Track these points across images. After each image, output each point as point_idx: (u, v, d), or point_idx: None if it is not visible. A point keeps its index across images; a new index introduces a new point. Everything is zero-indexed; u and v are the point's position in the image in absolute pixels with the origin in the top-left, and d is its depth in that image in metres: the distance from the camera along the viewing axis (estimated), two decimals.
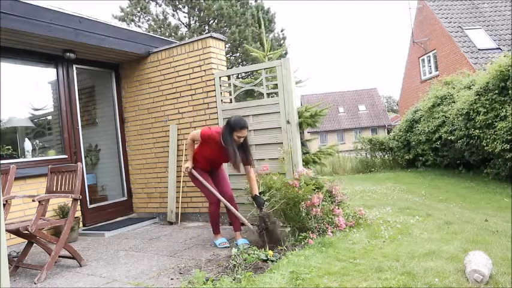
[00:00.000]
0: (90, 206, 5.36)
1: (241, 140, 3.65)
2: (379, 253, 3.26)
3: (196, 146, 3.91)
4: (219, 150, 3.73)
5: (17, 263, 3.55)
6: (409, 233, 3.86)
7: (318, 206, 3.94)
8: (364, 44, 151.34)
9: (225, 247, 3.81)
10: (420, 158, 10.55)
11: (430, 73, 17.78)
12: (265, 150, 4.47)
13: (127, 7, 18.43)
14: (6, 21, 3.94)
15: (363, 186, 8.23)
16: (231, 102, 4.83)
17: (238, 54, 18.43)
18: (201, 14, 18.28)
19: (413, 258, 3.02)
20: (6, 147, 4.71)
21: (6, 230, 3.10)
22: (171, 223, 5.30)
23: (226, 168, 4.79)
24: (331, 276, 2.77)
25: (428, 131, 9.73)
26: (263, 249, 3.44)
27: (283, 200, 3.79)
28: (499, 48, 14.17)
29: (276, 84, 4.48)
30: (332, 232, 3.87)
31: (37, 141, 5.10)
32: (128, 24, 18.09)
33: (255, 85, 4.73)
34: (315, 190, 3.96)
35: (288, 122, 4.35)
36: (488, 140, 7.24)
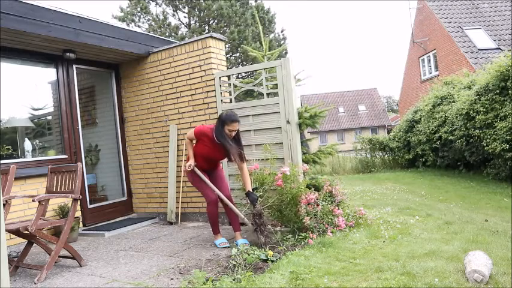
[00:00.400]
0: (90, 206, 5.36)
1: (233, 133, 3.69)
2: (379, 253, 3.26)
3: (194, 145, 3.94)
4: (213, 147, 3.76)
5: (17, 263, 3.55)
6: (409, 233, 3.86)
7: (313, 204, 3.94)
8: (364, 44, 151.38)
9: (225, 247, 3.81)
10: (420, 158, 10.55)
11: (430, 73, 17.78)
12: (265, 150, 4.45)
13: (127, 7, 18.44)
14: (6, 21, 3.94)
15: (362, 186, 8.23)
16: (231, 102, 4.83)
17: (238, 54, 18.44)
18: (201, 14, 18.29)
19: (413, 258, 3.02)
20: (6, 147, 4.72)
21: (6, 230, 3.10)
22: (171, 223, 5.30)
23: (226, 168, 4.79)
24: (331, 276, 2.77)
25: (428, 131, 9.73)
26: (263, 249, 3.44)
27: (276, 196, 3.79)
28: (499, 48, 14.18)
29: (276, 84, 4.47)
30: (332, 232, 3.87)
31: (37, 141, 5.10)
32: (128, 24, 18.10)
33: (255, 85, 4.73)
34: (305, 188, 3.95)
35: (288, 122, 4.35)
36: (488, 140, 7.25)
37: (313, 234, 3.76)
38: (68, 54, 4.97)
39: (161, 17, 18.37)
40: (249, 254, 3.24)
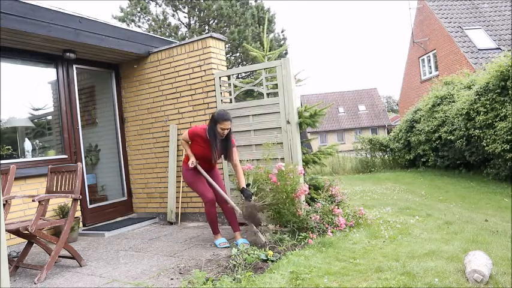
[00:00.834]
0: (90, 206, 5.36)
1: (226, 132, 3.75)
2: (379, 253, 3.26)
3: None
4: (208, 146, 3.81)
5: (17, 263, 3.55)
6: (409, 233, 3.86)
7: (310, 200, 3.94)
8: (364, 44, 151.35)
9: (225, 247, 3.81)
10: (421, 158, 10.55)
11: (430, 73, 17.77)
12: (264, 150, 4.46)
13: (127, 7, 18.44)
14: (6, 21, 3.94)
15: (362, 186, 8.23)
16: (231, 102, 4.83)
17: (238, 54, 18.43)
18: (201, 14, 18.29)
19: (413, 258, 3.02)
20: (6, 147, 4.72)
21: (6, 230, 3.10)
22: (171, 223, 5.30)
23: (226, 168, 4.79)
24: (331, 276, 2.77)
25: (428, 131, 9.73)
26: (263, 249, 3.44)
27: (272, 194, 3.81)
28: (499, 48, 14.18)
29: (276, 84, 4.47)
30: (332, 232, 3.87)
31: (37, 141, 5.10)
32: (128, 24, 18.09)
33: (255, 85, 4.73)
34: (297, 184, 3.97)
35: (288, 122, 4.35)
36: (488, 140, 7.24)
37: (313, 234, 3.76)
38: (68, 54, 4.97)
39: (161, 17, 18.36)
40: (249, 254, 3.24)
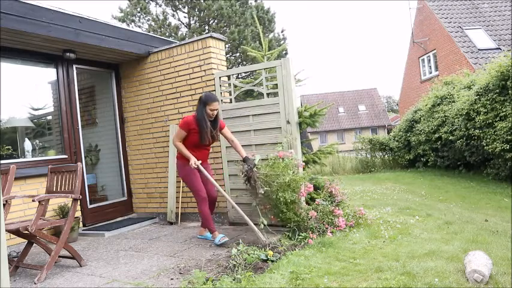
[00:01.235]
0: (90, 206, 5.36)
1: (215, 113, 3.90)
2: (379, 253, 3.26)
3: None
4: (200, 131, 3.92)
5: (17, 263, 3.55)
6: (409, 233, 3.86)
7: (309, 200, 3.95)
8: (364, 44, 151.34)
9: (225, 242, 3.83)
10: (421, 158, 10.55)
11: (430, 73, 17.78)
12: (265, 150, 4.46)
13: (126, 7, 18.44)
14: (6, 21, 3.94)
15: (362, 186, 8.23)
16: (231, 102, 4.83)
17: (238, 54, 18.44)
18: (201, 14, 18.29)
19: (413, 258, 3.02)
20: (6, 147, 4.72)
21: (6, 230, 3.10)
22: (171, 223, 5.30)
23: (226, 168, 4.79)
24: (331, 276, 2.77)
25: (428, 131, 9.73)
26: (263, 249, 3.44)
27: (272, 171, 3.90)
28: (499, 48, 14.18)
29: (276, 84, 4.47)
30: (332, 232, 3.87)
31: (37, 141, 5.10)
32: (128, 24, 18.10)
33: (255, 85, 4.73)
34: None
35: (288, 122, 4.35)
36: (488, 140, 7.25)
37: (313, 234, 3.76)
38: (68, 54, 4.96)
39: (161, 17, 18.36)
40: (249, 254, 3.24)
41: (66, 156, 5.11)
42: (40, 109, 5.33)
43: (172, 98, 5.41)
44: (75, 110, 5.30)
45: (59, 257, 3.56)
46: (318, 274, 2.82)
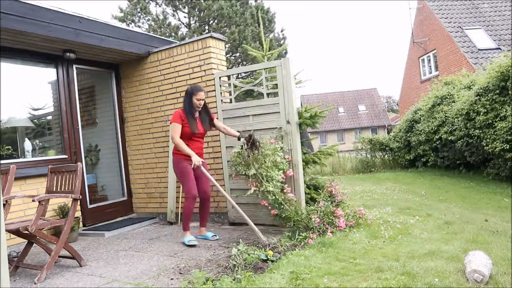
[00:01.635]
0: (90, 206, 5.36)
1: (201, 103, 4.08)
2: (379, 253, 3.26)
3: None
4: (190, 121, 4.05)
5: (17, 263, 3.55)
6: (409, 233, 3.86)
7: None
8: (364, 44, 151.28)
9: (193, 244, 3.93)
10: (421, 158, 10.55)
11: (430, 73, 17.78)
12: (265, 150, 4.45)
13: (126, 7, 18.44)
14: (6, 21, 3.94)
15: (363, 186, 8.23)
16: (231, 102, 4.83)
17: (238, 54, 18.45)
18: (201, 14, 18.30)
19: (413, 258, 3.02)
20: (6, 147, 4.72)
21: (6, 230, 3.10)
22: (171, 223, 5.30)
23: (226, 168, 4.79)
24: (331, 276, 2.77)
25: (428, 131, 9.74)
26: (263, 249, 3.44)
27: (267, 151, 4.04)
28: (499, 48, 14.18)
29: (276, 84, 4.47)
30: (332, 232, 3.87)
31: (37, 141, 5.10)
32: (128, 24, 18.11)
33: (255, 85, 4.73)
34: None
35: (288, 122, 4.35)
36: (488, 140, 7.25)
37: (313, 234, 3.76)
38: (68, 54, 4.96)
39: (161, 17, 18.37)
40: (249, 254, 3.24)
41: (66, 156, 5.11)
42: (40, 109, 5.33)
43: (172, 98, 5.41)
44: (75, 110, 5.30)
45: (59, 257, 3.56)
46: (318, 274, 2.82)
